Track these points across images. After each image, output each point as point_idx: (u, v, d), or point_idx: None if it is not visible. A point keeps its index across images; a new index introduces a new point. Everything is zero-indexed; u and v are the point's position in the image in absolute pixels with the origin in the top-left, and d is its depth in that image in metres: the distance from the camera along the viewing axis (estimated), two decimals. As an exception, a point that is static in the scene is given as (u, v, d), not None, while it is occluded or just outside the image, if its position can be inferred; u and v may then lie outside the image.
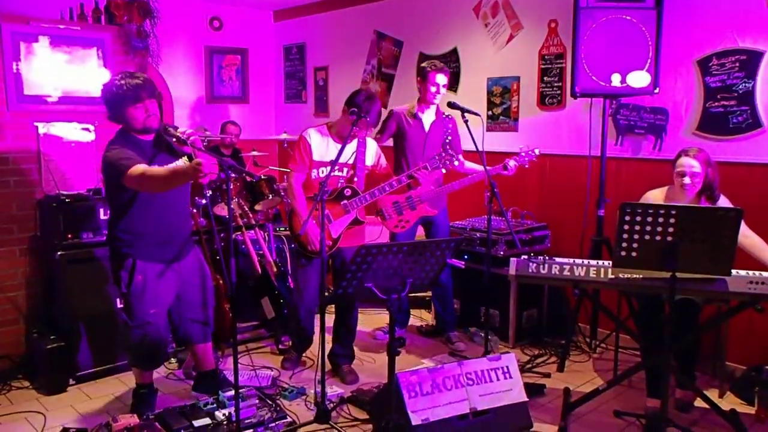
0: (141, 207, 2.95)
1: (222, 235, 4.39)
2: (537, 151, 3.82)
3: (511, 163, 3.75)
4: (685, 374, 3.16)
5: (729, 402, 3.36)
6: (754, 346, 3.57)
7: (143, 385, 3.21)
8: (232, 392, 2.87)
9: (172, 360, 3.82)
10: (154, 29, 4.35)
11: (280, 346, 4.12)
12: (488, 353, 3.46)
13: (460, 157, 3.93)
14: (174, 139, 2.93)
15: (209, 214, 3.34)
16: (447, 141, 3.98)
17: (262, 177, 4.85)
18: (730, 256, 2.59)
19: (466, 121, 3.77)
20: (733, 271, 2.72)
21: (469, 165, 3.94)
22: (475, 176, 3.82)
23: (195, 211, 4.05)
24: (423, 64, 4.03)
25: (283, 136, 5.75)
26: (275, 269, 4.30)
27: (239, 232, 4.28)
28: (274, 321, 4.24)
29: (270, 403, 3.16)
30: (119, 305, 3.27)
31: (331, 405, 3.24)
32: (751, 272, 2.81)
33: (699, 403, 3.19)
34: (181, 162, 3.07)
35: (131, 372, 3.34)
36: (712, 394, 3.39)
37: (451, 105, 3.89)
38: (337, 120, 3.64)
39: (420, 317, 4.74)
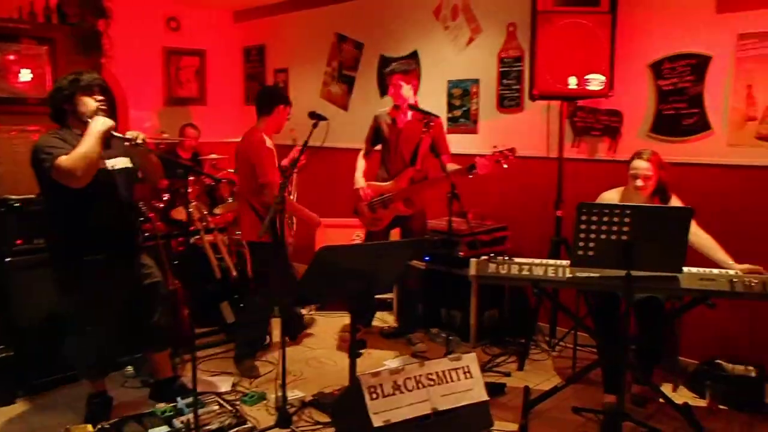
0: (78, 207, 2.85)
1: (180, 239, 4.32)
2: (513, 149, 3.64)
3: (481, 161, 3.66)
4: (646, 370, 3.23)
5: (682, 396, 3.45)
6: (706, 340, 3.67)
7: (96, 394, 3.12)
8: (191, 399, 2.82)
9: (129, 367, 3.73)
10: (108, 29, 4.26)
11: (240, 351, 4.05)
12: (449, 354, 3.47)
13: (447, 157, 3.98)
14: (126, 142, 2.87)
15: (167, 217, 3.28)
16: (426, 141, 3.92)
17: (222, 180, 4.79)
18: (681, 253, 2.67)
19: (426, 123, 3.80)
20: (685, 269, 2.79)
21: (451, 166, 3.95)
22: (449, 174, 3.76)
23: (153, 215, 3.97)
24: None
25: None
26: (235, 273, 4.24)
27: (198, 236, 4.21)
28: (234, 326, 4.18)
29: (230, 408, 3.11)
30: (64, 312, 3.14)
31: (293, 409, 3.21)
32: (702, 269, 2.89)
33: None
34: (128, 162, 3.00)
35: (84, 381, 3.24)
36: (666, 388, 3.48)
37: (411, 107, 3.93)
38: (271, 120, 3.70)
39: (382, 319, 4.74)
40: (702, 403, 3.38)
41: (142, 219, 3.95)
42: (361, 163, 4.18)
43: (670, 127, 3.80)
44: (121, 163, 2.99)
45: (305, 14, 6.00)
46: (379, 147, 4.20)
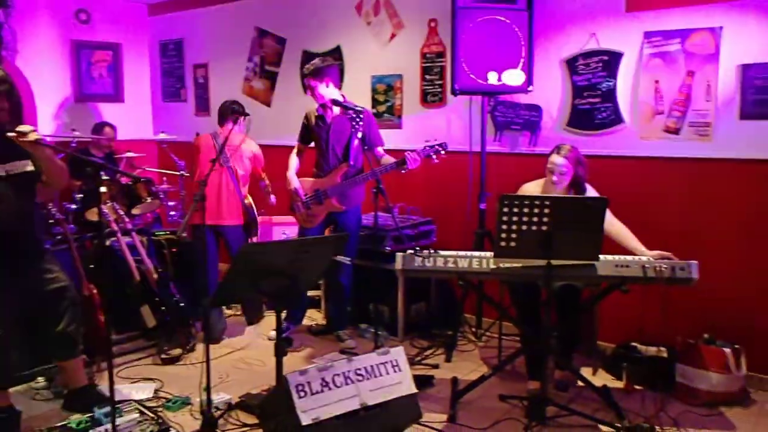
0: None
1: (95, 241, 4.11)
2: (444, 144, 3.65)
3: (411, 155, 3.63)
4: (566, 356, 3.34)
5: (601, 378, 3.60)
6: (621, 325, 3.83)
7: (1, 409, 2.91)
8: (108, 408, 2.68)
9: (39, 378, 3.50)
10: (9, 19, 4.00)
11: (162, 356, 3.90)
12: (378, 348, 3.47)
13: (380, 149, 3.98)
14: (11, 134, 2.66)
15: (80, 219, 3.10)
16: (357, 135, 3.88)
17: (140, 179, 4.60)
18: (597, 242, 2.78)
19: (351, 119, 3.78)
20: (601, 257, 2.90)
21: (386, 159, 3.92)
22: (381, 169, 3.77)
23: (61, 216, 3.77)
24: None
25: (161, 136, 5.45)
26: (155, 275, 4.08)
27: (114, 238, 4.02)
28: (155, 330, 4.02)
29: (152, 416, 2.98)
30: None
31: (219, 412, 3.12)
32: (617, 257, 3.02)
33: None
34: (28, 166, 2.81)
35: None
36: (587, 372, 3.61)
37: (336, 102, 3.91)
38: (237, 127, 4.20)
39: (310, 317, 4.69)
40: (619, 384, 3.53)
41: (52, 222, 3.74)
42: (293, 161, 4.15)
43: (585, 121, 3.94)
44: (18, 167, 2.78)
45: (224, 8, 5.85)
46: (313, 144, 4.16)
